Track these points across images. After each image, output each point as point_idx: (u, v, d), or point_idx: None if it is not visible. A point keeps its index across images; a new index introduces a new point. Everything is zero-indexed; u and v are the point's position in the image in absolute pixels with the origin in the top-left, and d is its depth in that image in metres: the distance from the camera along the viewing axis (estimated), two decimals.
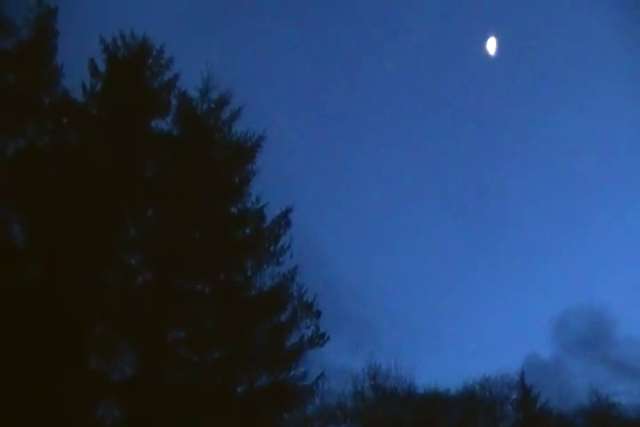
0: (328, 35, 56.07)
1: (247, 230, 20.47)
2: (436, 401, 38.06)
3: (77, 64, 19.02)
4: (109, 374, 17.26)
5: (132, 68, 19.66)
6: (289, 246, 20.36)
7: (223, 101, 20.81)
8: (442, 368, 41.19)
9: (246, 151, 20.67)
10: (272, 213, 20.42)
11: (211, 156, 20.42)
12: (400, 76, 55.33)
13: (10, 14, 17.56)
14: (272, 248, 20.24)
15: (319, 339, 19.87)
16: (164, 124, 20.08)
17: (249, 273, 19.87)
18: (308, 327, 19.84)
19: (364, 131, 54.81)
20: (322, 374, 19.76)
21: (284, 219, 20.50)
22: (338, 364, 31.73)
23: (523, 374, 39.79)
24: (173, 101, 20.31)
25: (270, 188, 21.49)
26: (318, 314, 20.13)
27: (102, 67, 19.46)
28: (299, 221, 21.63)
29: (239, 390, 18.78)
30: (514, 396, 40.44)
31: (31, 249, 16.76)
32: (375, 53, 55.79)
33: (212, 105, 20.77)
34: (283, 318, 19.84)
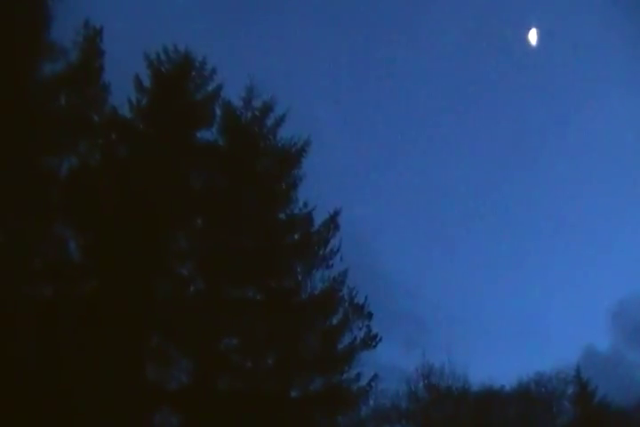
0: (370, 35, 55.63)
1: (296, 235, 20.77)
2: (490, 399, 37.76)
3: (123, 80, 19.60)
4: (166, 382, 17.92)
5: (176, 81, 20.15)
6: (338, 249, 20.56)
7: (267, 109, 21.03)
8: (496, 365, 40.78)
9: (292, 157, 20.88)
10: (320, 216, 20.67)
11: (257, 163, 20.75)
12: (442, 71, 54.59)
13: (59, 38, 18.13)
14: (321, 252, 20.48)
15: (371, 340, 20.04)
16: (209, 134, 20.58)
17: (299, 278, 20.13)
18: (359, 329, 20.04)
19: (408, 129, 54.29)
20: (375, 376, 19.95)
21: (333, 222, 20.68)
22: (391, 363, 31.76)
23: (578, 369, 38.84)
24: (218, 111, 20.72)
25: (318, 191, 21.74)
26: (370, 316, 20.27)
27: (147, 82, 20.04)
28: (349, 222, 21.84)
29: (293, 394, 19.18)
30: (570, 391, 39.68)
31: (87, 264, 17.45)
32: (416, 49, 55.00)
33: (257, 113, 21.02)
34: (334, 321, 20.10)
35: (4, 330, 15.08)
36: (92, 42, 18.63)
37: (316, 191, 21.29)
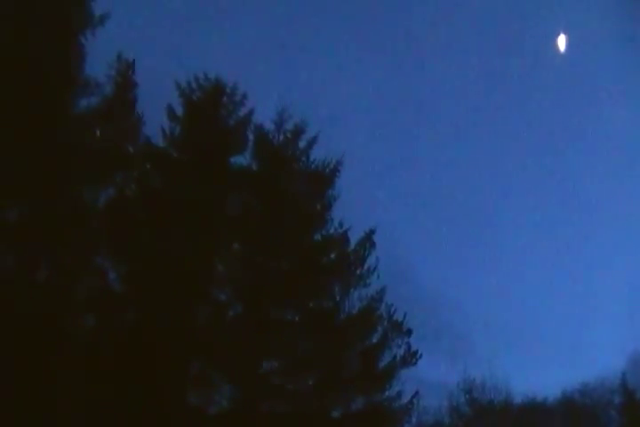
0: (397, 48, 55.36)
1: (332, 256, 20.93)
2: (534, 411, 37.17)
3: (156, 110, 20.07)
4: (207, 406, 18.25)
5: (208, 108, 20.48)
6: (375, 267, 20.65)
7: (299, 131, 21.15)
8: (538, 376, 39.92)
9: (325, 178, 21.04)
10: (356, 235, 20.79)
11: (290, 186, 20.98)
12: (469, 78, 53.94)
13: (93, 73, 18.67)
14: (358, 271, 20.60)
15: (411, 357, 20.08)
16: (242, 159, 20.88)
17: (337, 298, 20.27)
18: (399, 347, 20.09)
19: (441, 143, 53.68)
20: (416, 393, 19.93)
21: (369, 240, 20.79)
22: (433, 379, 31.42)
23: (624, 377, 37.28)
24: (250, 136, 20.99)
25: (353, 209, 21.89)
26: (409, 332, 20.30)
27: (179, 111, 20.45)
28: (386, 237, 21.88)
29: (334, 414, 19.30)
30: (617, 400, 38.31)
31: (128, 293, 17.92)
32: (443, 57, 54.47)
33: (289, 135, 21.15)
34: (374, 339, 20.18)
35: (50, 360, 15.58)
36: (125, 75, 19.07)
37: (351, 208, 21.55)
